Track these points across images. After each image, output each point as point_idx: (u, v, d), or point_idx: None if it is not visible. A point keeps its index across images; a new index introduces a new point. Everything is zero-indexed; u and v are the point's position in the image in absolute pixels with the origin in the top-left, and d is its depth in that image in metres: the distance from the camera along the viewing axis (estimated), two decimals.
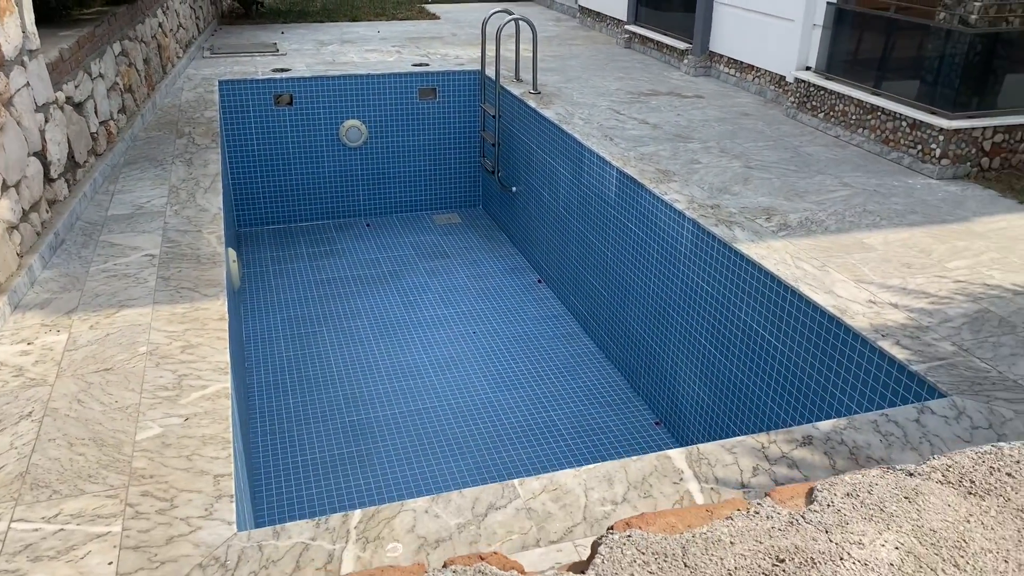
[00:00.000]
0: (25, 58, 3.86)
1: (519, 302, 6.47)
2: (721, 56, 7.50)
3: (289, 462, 4.64)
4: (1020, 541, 1.17)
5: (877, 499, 1.18)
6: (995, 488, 1.21)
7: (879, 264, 3.79)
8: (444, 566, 1.26)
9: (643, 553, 1.17)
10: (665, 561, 1.16)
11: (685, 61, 7.82)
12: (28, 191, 3.77)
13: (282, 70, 7.53)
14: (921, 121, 5.08)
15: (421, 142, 7.88)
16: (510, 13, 6.97)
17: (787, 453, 2.48)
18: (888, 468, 1.29)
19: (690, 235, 4.41)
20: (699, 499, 2.29)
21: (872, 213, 4.42)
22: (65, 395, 2.79)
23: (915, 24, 5.22)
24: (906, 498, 1.18)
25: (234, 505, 2.29)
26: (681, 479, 2.37)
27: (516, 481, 2.37)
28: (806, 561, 1.14)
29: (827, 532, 1.20)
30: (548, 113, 6.34)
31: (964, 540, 1.17)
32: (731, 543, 1.16)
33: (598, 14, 10.08)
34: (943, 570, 1.13)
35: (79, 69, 4.75)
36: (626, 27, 8.97)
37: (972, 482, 1.21)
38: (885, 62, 5.54)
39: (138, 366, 2.97)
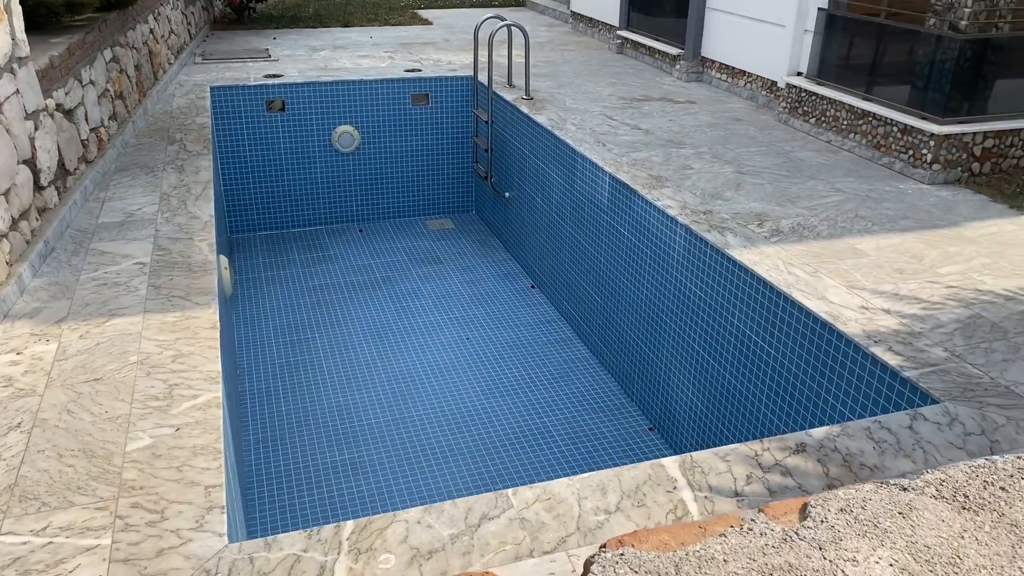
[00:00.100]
0: (15, 65, 3.84)
1: (512, 308, 6.47)
2: (713, 61, 7.52)
3: (282, 470, 4.62)
4: (1014, 557, 1.17)
5: (871, 515, 1.18)
6: (989, 503, 1.20)
7: (871, 270, 3.79)
8: None
9: (636, 572, 1.16)
10: None
11: (677, 66, 7.84)
12: (17, 199, 3.75)
13: (274, 76, 7.52)
14: (912, 126, 5.10)
15: (414, 148, 7.87)
16: (502, 19, 6.98)
17: (780, 461, 2.48)
18: (881, 483, 1.29)
19: (683, 241, 4.41)
20: (693, 508, 2.28)
21: (864, 218, 4.43)
22: (55, 405, 2.77)
23: (906, 30, 5.25)
24: (900, 513, 1.17)
25: (225, 516, 2.28)
26: (675, 488, 2.37)
27: (509, 491, 2.36)
28: None
29: (821, 549, 1.19)
30: (541, 119, 6.34)
31: (958, 556, 1.17)
32: (724, 561, 1.15)
33: (590, 20, 10.10)
34: None
35: (69, 76, 4.73)
36: (618, 32, 8.98)
37: (966, 496, 1.21)
38: (876, 67, 5.57)
39: (128, 376, 2.95)
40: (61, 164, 4.44)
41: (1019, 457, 1.34)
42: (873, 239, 4.16)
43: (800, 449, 2.54)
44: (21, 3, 4.45)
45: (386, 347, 5.87)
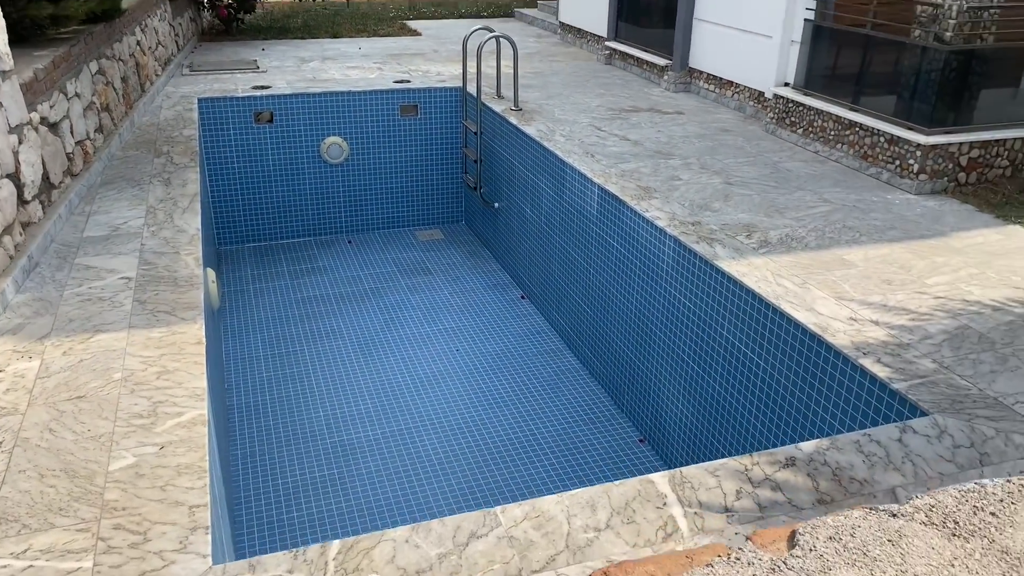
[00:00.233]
0: None
1: (502, 318, 6.45)
2: (701, 72, 7.55)
3: (270, 486, 4.57)
4: None
5: (860, 542, 1.16)
6: (979, 529, 1.19)
7: (859, 281, 3.80)
8: None
9: None
10: None
11: (665, 77, 7.86)
12: (1, 214, 3.71)
13: (262, 87, 7.49)
14: (899, 137, 5.12)
15: (403, 159, 7.86)
16: (491, 30, 6.98)
17: (770, 475, 2.47)
18: (871, 509, 1.27)
19: (671, 252, 4.41)
20: (683, 524, 2.27)
21: (852, 229, 4.44)
22: (37, 424, 2.73)
23: (892, 41, 5.28)
24: (889, 541, 1.16)
25: (209, 537, 2.24)
26: (664, 504, 2.35)
27: (498, 508, 2.33)
28: None
29: None
30: (529, 130, 6.34)
31: None
32: None
33: (579, 30, 10.13)
34: None
35: (54, 89, 4.70)
36: (606, 43, 9.01)
37: (956, 523, 1.19)
38: (863, 78, 5.59)
39: (112, 393, 2.91)
40: (46, 178, 4.40)
41: (1008, 481, 1.33)
42: (861, 250, 4.17)
43: (790, 463, 2.52)
44: (5, 16, 4.43)
45: (375, 359, 5.84)
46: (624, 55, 8.74)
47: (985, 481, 1.34)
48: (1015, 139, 5.14)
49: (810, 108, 5.92)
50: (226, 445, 4.66)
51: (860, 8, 5.54)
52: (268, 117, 7.32)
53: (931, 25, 5.00)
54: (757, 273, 3.87)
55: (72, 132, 4.92)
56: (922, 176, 5.01)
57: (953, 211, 4.75)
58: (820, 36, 5.93)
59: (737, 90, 7.07)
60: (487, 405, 5.32)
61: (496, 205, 7.27)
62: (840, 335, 3.30)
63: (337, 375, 5.64)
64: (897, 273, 3.88)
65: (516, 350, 6.00)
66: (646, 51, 8.26)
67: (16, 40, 5.01)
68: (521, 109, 6.93)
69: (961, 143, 5.02)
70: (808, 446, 2.62)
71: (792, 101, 6.10)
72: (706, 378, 4.23)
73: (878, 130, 5.29)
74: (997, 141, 5.11)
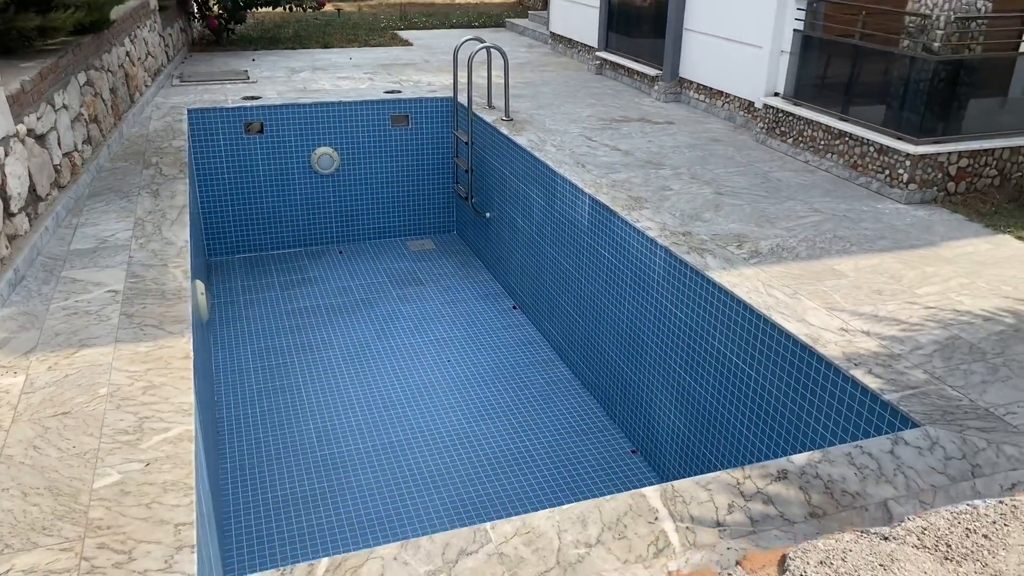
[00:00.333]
0: None
1: (494, 328, 6.43)
2: (691, 82, 7.57)
3: (259, 500, 4.53)
4: None
5: (851, 567, 1.14)
6: (972, 552, 1.17)
7: (850, 291, 3.80)
8: None
9: None
10: None
11: (656, 87, 7.88)
12: None
13: (253, 98, 7.48)
14: (888, 146, 5.14)
15: (394, 169, 7.84)
16: (482, 40, 6.99)
17: (762, 489, 2.45)
18: (862, 532, 1.26)
19: (662, 262, 4.40)
20: (674, 539, 2.25)
21: (842, 239, 4.44)
22: (20, 441, 2.69)
23: (880, 51, 5.30)
24: (881, 565, 1.14)
25: (195, 556, 2.21)
26: (656, 518, 2.33)
27: (488, 525, 2.31)
28: None
29: None
30: (520, 140, 6.34)
31: None
32: None
33: (569, 40, 10.16)
34: None
35: (42, 100, 4.67)
36: (597, 54, 9.03)
37: (948, 546, 1.18)
38: (852, 88, 5.62)
39: (98, 409, 2.87)
40: (32, 190, 4.36)
41: (1001, 502, 1.32)
42: (852, 260, 4.17)
43: (782, 476, 2.51)
44: None
45: (366, 370, 5.81)
46: (615, 65, 8.76)
47: (977, 503, 1.33)
48: (1003, 148, 5.17)
49: (800, 118, 5.93)
50: (215, 459, 4.62)
51: (849, 18, 5.56)
52: (258, 128, 7.30)
53: (919, 35, 5.02)
54: (748, 283, 3.86)
55: (60, 144, 4.89)
56: (912, 186, 5.03)
57: (943, 220, 4.76)
58: (809, 46, 5.96)
59: (727, 100, 7.09)
60: (478, 416, 5.29)
61: (487, 215, 7.26)
62: (831, 346, 3.29)
63: (328, 387, 5.60)
64: (888, 283, 3.89)
65: (508, 360, 5.97)
66: (636, 61, 8.29)
67: (3, 52, 4.98)
68: (512, 119, 6.93)
69: (950, 153, 5.04)
70: (800, 459, 2.60)
71: (782, 111, 6.12)
72: (698, 389, 4.22)
73: (868, 140, 5.31)
74: (985, 151, 5.14)
